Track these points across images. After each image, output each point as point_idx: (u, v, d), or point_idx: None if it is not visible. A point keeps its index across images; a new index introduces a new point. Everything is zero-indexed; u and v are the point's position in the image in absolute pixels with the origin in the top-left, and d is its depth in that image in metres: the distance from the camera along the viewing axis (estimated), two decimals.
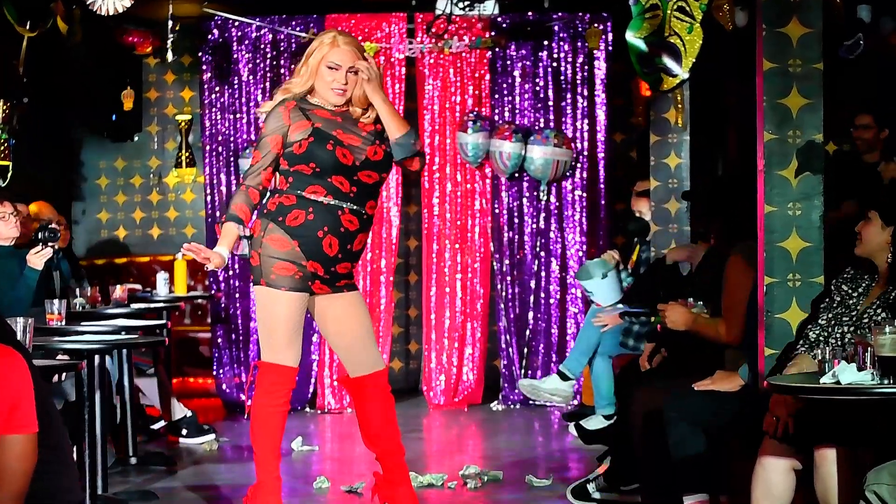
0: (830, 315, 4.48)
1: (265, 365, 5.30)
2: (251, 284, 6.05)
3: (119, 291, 8.07)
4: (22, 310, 6.32)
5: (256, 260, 5.24)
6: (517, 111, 9.45)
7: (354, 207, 5.21)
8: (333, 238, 5.19)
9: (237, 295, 9.50)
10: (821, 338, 4.32)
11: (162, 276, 8.90)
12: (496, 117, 9.43)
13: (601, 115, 9.44)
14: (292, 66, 9.24)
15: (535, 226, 9.48)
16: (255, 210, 5.26)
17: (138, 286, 8.94)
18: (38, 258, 6.76)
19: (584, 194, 9.44)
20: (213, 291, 9.54)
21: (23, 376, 3.35)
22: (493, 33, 9.33)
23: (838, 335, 4.34)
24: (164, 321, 7.89)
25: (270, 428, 5.33)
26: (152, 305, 8.50)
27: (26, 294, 6.71)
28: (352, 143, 5.21)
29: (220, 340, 9.52)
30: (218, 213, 9.49)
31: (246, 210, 5.22)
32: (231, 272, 9.52)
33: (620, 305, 7.85)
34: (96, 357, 6.03)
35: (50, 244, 6.82)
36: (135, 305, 8.14)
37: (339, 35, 5.26)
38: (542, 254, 9.47)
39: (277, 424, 5.35)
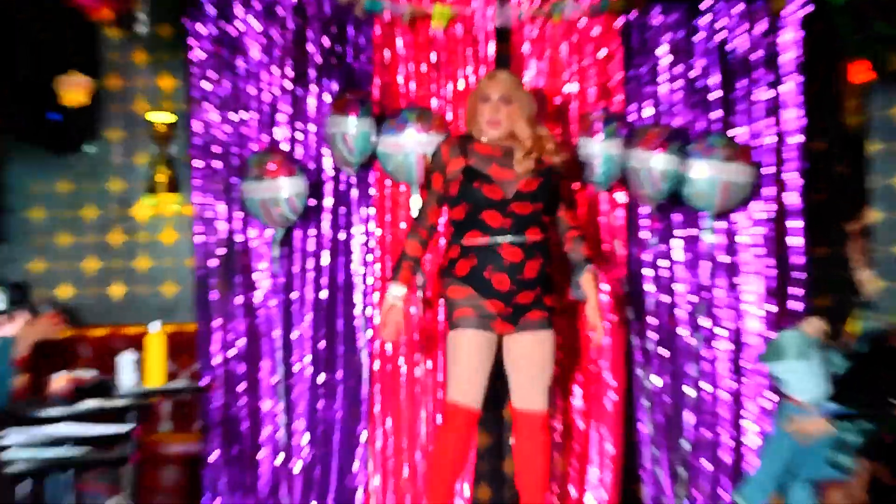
0: None
1: (446, 404, 6.18)
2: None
3: (60, 381, 6.86)
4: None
5: (444, 310, 6.30)
6: (662, 107, 7.49)
7: (512, 239, 6.10)
8: (500, 274, 6.06)
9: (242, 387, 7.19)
10: None
11: (128, 358, 7.13)
12: (632, 117, 7.48)
13: (792, 112, 7.41)
14: (323, 38, 7.40)
15: (693, 279, 7.43)
16: (425, 246, 6.22)
17: (90, 373, 7.23)
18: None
19: (769, 231, 7.39)
20: (205, 379, 7.29)
21: None
22: None
23: None
24: (129, 426, 6.76)
25: (438, 465, 6.13)
26: (111, 403, 6.91)
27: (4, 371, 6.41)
28: (504, 178, 6.11)
29: (217, 459, 7.21)
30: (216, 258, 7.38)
31: (418, 249, 6.21)
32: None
33: (829, 403, 6.70)
34: (19, 484, 5.88)
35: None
36: (85, 403, 6.71)
37: (496, 71, 6.37)
38: (704, 321, 7.36)
39: (447, 464, 6.11)
